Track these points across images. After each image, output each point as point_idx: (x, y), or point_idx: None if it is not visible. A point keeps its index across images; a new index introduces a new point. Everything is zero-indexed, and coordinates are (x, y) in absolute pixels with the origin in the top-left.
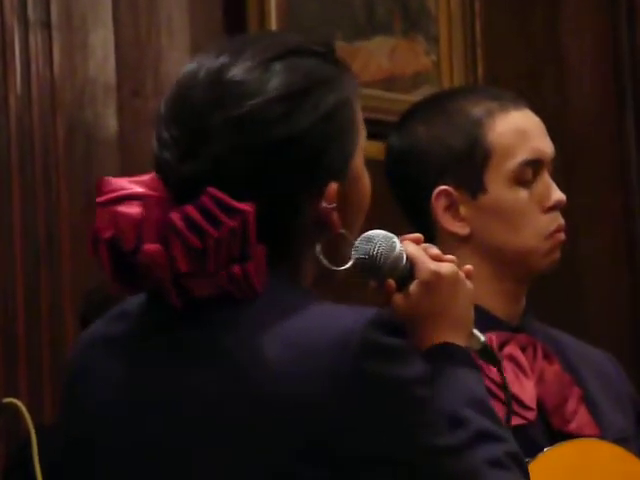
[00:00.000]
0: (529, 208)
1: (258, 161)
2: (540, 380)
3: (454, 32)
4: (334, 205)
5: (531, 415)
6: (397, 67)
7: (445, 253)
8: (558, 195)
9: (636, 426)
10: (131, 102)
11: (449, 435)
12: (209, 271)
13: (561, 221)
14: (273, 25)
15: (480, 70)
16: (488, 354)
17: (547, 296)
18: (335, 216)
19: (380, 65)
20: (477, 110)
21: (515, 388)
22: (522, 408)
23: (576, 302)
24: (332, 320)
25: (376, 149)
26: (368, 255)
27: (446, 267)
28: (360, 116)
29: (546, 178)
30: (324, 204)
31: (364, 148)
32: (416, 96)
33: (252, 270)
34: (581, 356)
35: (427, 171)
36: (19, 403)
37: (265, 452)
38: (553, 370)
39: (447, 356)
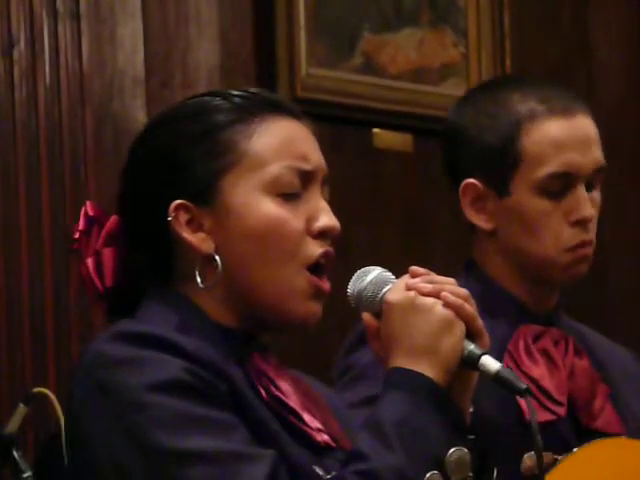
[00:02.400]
0: (552, 219)
1: (125, 177)
2: (571, 375)
3: (482, 24)
4: (172, 218)
5: (562, 411)
6: (425, 59)
7: (479, 243)
8: (587, 212)
9: None
10: (159, 93)
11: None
12: None
13: (586, 237)
14: (301, 17)
15: (508, 63)
16: (504, 382)
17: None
18: (187, 233)
19: (408, 57)
20: (522, 109)
21: (547, 383)
22: (553, 403)
23: (601, 293)
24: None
25: (403, 141)
26: (355, 291)
27: (396, 295)
28: (257, 150)
29: (579, 192)
30: (168, 218)
31: (267, 185)
32: (444, 88)
33: (90, 267)
34: (608, 354)
35: (463, 159)
36: (49, 392)
37: None
38: (583, 366)
39: (386, 381)
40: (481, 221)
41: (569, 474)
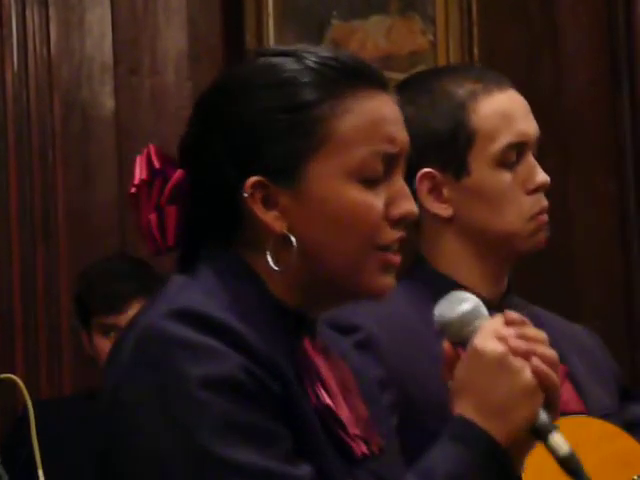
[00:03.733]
0: (512, 190)
1: (193, 134)
2: None
3: (450, 12)
4: (248, 195)
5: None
6: (393, 47)
7: (429, 236)
8: (542, 177)
9: (619, 401)
10: (128, 80)
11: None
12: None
13: (544, 203)
14: (270, 3)
15: (476, 50)
16: (572, 470)
17: (541, 278)
18: (260, 211)
19: (376, 44)
20: (461, 92)
21: None
22: None
23: (570, 283)
24: (148, 307)
25: None
26: (443, 317)
27: (491, 347)
28: (345, 132)
29: (530, 160)
30: (244, 194)
31: (352, 171)
32: None
33: (152, 223)
34: (563, 333)
35: (413, 153)
36: (17, 378)
37: None
38: None
39: (449, 428)
40: (440, 209)
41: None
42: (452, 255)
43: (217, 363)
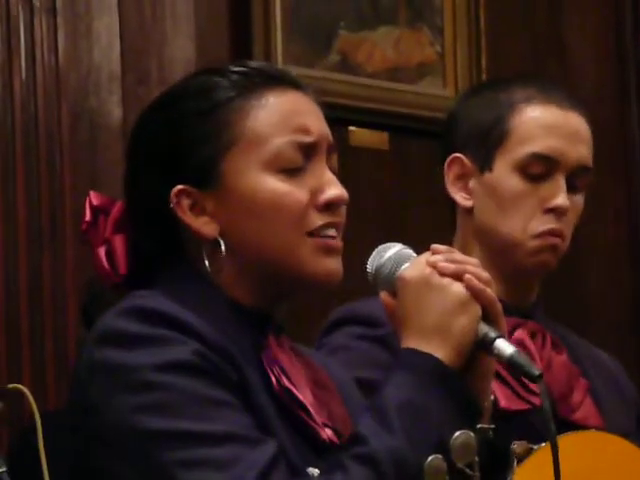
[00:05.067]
0: (527, 202)
1: (128, 162)
2: (548, 368)
3: (459, 23)
4: (174, 204)
5: (537, 400)
6: (401, 58)
7: (457, 223)
8: (561, 200)
9: (637, 429)
10: (135, 90)
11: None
12: None
13: (556, 226)
14: (277, 13)
15: (484, 61)
16: (517, 367)
17: (550, 293)
18: (189, 219)
19: (384, 55)
20: (519, 94)
21: None
22: (528, 392)
23: (580, 299)
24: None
25: (379, 139)
26: (373, 268)
27: (414, 273)
28: (256, 127)
29: (559, 181)
30: (171, 204)
31: (268, 162)
32: (420, 87)
33: (101, 256)
34: (589, 355)
35: (454, 135)
36: (24, 388)
37: None
38: (561, 360)
39: (395, 362)
40: (461, 198)
41: (543, 463)
42: (469, 246)
43: (170, 350)
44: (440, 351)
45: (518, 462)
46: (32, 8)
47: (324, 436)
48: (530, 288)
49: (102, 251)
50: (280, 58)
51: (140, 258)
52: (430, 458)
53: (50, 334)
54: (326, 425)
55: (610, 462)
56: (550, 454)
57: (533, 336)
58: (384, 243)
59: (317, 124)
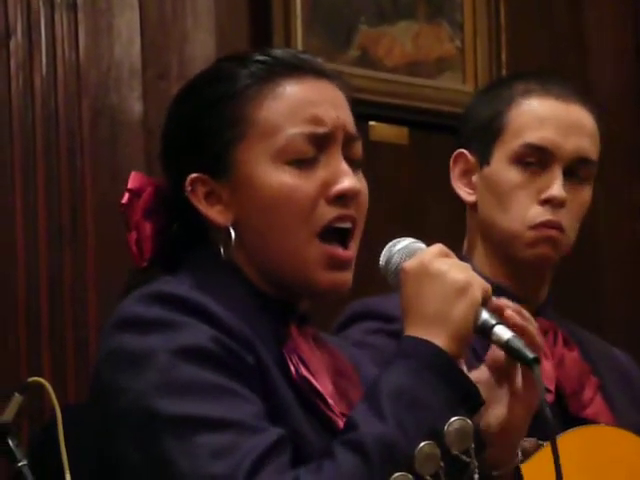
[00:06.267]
0: (523, 193)
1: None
2: (559, 365)
3: (478, 18)
4: (188, 192)
5: (549, 397)
6: (421, 52)
7: (467, 231)
8: (556, 191)
9: None
10: (156, 85)
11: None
12: None
13: (553, 217)
14: (298, 8)
15: (504, 56)
16: (514, 352)
17: (565, 289)
18: (204, 207)
19: (404, 50)
20: (519, 88)
21: None
22: None
23: (595, 295)
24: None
25: (398, 133)
26: (384, 262)
27: (413, 262)
28: (267, 117)
29: (555, 173)
30: (186, 192)
31: (278, 154)
32: (439, 82)
33: (131, 240)
34: (601, 352)
35: (462, 133)
36: (45, 382)
37: None
38: (572, 357)
39: (396, 349)
40: (465, 193)
41: (551, 459)
42: (474, 242)
43: (187, 335)
44: (438, 338)
45: (526, 459)
46: (53, 4)
47: (341, 425)
48: (540, 284)
49: (132, 235)
50: None
51: (167, 243)
52: (422, 444)
53: (71, 328)
54: (344, 415)
55: (618, 456)
56: (559, 450)
57: (545, 333)
58: (404, 236)
59: (332, 113)
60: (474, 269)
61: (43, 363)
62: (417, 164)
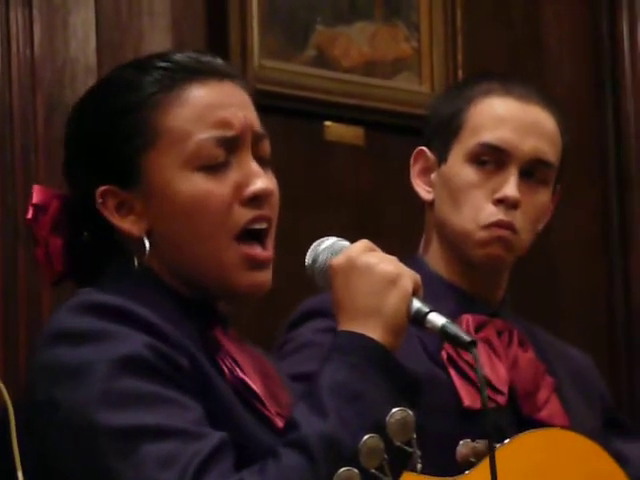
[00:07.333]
0: (477, 193)
1: (65, 156)
2: (513, 366)
3: (435, 19)
4: (99, 204)
5: (501, 399)
6: (377, 53)
7: (424, 232)
8: (509, 191)
9: (602, 426)
10: None
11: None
12: None
13: (505, 217)
14: (254, 9)
15: (460, 57)
16: (450, 337)
17: (522, 291)
18: (115, 218)
19: (360, 51)
20: (481, 87)
21: (487, 371)
22: (493, 392)
23: (551, 297)
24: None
25: (354, 134)
26: (309, 262)
27: (337, 259)
28: (174, 124)
29: (510, 173)
30: (97, 205)
31: (187, 161)
32: (396, 82)
33: (40, 255)
34: (558, 352)
35: (425, 131)
36: None
37: None
38: (527, 357)
39: (331, 345)
40: (423, 191)
41: (502, 462)
42: (430, 241)
43: (121, 344)
44: (373, 331)
45: (478, 461)
46: (7, 1)
47: (279, 425)
48: (495, 284)
49: (40, 251)
50: (256, 53)
51: (79, 256)
52: (365, 437)
53: (24, 326)
54: (279, 414)
55: (569, 460)
56: (509, 453)
57: (499, 334)
58: (357, 239)
59: (239, 115)
60: (429, 268)
61: None
62: (373, 164)
